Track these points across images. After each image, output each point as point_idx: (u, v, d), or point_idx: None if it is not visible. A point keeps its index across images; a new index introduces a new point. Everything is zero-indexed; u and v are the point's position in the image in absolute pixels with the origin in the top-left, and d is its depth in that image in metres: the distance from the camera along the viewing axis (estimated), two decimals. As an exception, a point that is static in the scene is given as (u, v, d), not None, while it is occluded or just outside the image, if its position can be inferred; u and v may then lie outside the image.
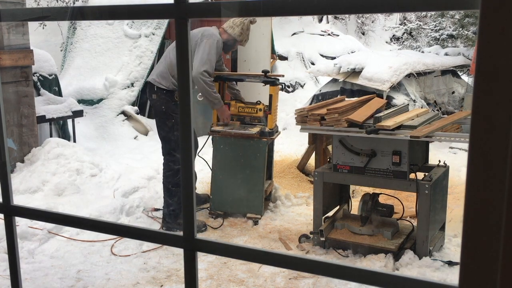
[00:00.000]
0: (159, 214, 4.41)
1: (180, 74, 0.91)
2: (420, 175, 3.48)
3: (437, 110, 7.15)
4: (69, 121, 6.27)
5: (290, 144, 6.69)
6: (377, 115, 3.57)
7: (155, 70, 4.32)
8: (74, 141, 6.24)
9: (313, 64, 10.44)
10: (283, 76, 4.70)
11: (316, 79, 10.27)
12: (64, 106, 6.02)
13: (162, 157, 4.24)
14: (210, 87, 4.10)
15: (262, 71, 4.45)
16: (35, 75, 5.77)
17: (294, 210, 4.65)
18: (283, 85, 9.45)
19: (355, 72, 6.74)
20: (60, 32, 9.61)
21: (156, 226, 4.26)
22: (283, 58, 10.72)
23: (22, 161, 5.12)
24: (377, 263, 3.41)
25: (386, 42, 18.08)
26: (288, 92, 9.66)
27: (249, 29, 4.36)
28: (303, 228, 4.12)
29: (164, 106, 4.12)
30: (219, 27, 4.35)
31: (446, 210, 3.83)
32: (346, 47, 11.97)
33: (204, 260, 3.54)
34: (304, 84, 10.13)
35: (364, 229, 3.63)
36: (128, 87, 7.49)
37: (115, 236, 3.78)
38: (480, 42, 0.65)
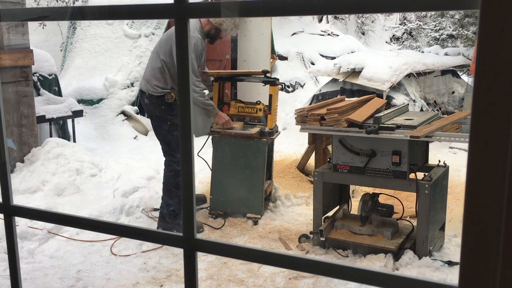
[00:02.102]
0: (158, 214, 4.41)
1: (180, 74, 0.91)
2: (420, 175, 3.48)
3: (437, 110, 7.15)
4: (69, 121, 6.27)
5: (290, 144, 6.69)
6: (377, 115, 3.57)
7: (143, 76, 4.26)
8: (74, 141, 6.24)
9: (313, 64, 10.44)
10: (278, 79, 4.67)
11: (316, 79, 10.27)
12: (64, 106, 6.02)
13: (164, 158, 4.19)
14: (200, 95, 4.04)
15: (262, 71, 4.45)
16: (35, 75, 5.77)
17: (294, 210, 4.64)
18: (283, 85, 9.44)
19: (355, 72, 6.74)
20: (60, 32, 9.61)
21: (155, 226, 4.26)
22: (283, 58, 10.72)
23: (22, 161, 5.12)
24: (377, 263, 3.41)
25: (386, 42, 18.08)
26: (288, 92, 9.66)
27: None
28: (303, 228, 4.12)
29: (158, 109, 4.08)
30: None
31: (446, 210, 3.83)
32: (346, 47, 11.97)
33: (204, 260, 3.54)
34: (304, 84, 10.13)
35: (364, 229, 3.63)
36: (128, 87, 7.49)
37: (115, 236, 3.78)
38: (480, 42, 0.65)
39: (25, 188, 4.59)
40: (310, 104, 6.82)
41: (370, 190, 3.94)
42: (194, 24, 4.00)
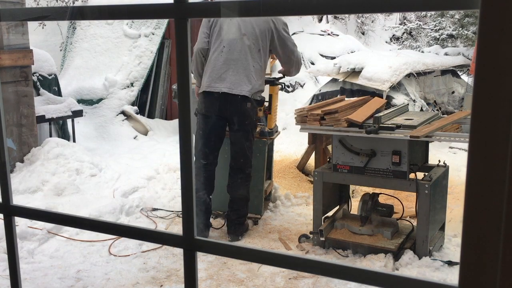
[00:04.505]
0: (158, 214, 4.42)
1: (180, 74, 0.91)
2: (420, 175, 3.48)
3: (437, 110, 7.15)
4: (69, 121, 6.27)
5: (290, 144, 6.69)
6: (377, 115, 3.57)
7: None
8: (74, 141, 6.24)
9: (313, 64, 10.44)
10: (278, 79, 4.66)
11: (316, 79, 10.26)
12: (64, 106, 6.02)
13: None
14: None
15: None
16: (34, 75, 5.77)
17: (294, 210, 4.64)
18: (283, 85, 9.45)
19: (355, 72, 6.73)
20: (59, 32, 9.60)
21: (155, 226, 4.26)
22: (283, 58, 10.69)
23: (22, 161, 5.12)
24: (377, 263, 3.41)
25: (386, 42, 18.06)
26: (288, 92, 9.65)
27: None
28: (302, 228, 4.12)
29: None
30: None
31: (446, 210, 3.83)
32: (346, 47, 11.95)
33: (204, 260, 3.54)
34: (304, 84, 10.12)
35: (364, 229, 3.63)
36: (128, 87, 7.49)
37: (114, 236, 3.78)
38: (480, 42, 0.65)
39: (25, 188, 4.60)
40: (310, 104, 6.82)
41: (370, 190, 3.94)
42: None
